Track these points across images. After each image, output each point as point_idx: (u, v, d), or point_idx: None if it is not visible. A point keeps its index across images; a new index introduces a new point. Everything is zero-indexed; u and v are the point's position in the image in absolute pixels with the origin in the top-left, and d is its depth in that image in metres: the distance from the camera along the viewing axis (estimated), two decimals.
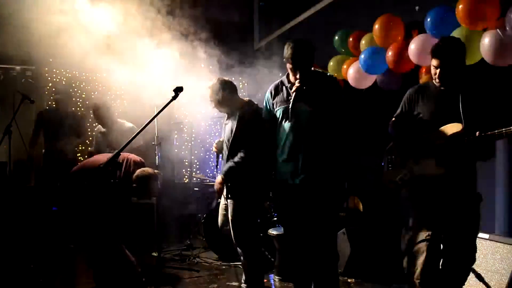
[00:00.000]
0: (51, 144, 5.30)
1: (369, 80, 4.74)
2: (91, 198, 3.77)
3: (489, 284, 3.34)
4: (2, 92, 6.60)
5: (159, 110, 2.98)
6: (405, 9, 4.48)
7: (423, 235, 2.89)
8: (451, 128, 2.76)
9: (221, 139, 3.84)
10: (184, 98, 4.53)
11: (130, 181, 3.71)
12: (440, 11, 3.79)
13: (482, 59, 3.48)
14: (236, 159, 3.49)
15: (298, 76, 2.95)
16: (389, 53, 4.24)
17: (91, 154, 5.12)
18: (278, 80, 3.23)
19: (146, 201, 6.30)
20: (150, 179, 3.78)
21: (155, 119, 3.36)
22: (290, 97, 3.03)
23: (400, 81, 4.48)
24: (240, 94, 3.84)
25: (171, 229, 6.29)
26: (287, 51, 2.96)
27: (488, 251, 3.45)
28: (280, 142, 3.09)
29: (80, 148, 6.47)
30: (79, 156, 6.57)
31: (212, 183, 4.12)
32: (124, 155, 3.84)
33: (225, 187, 3.62)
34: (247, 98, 3.81)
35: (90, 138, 6.31)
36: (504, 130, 2.53)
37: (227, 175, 3.53)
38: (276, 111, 3.14)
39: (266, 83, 6.64)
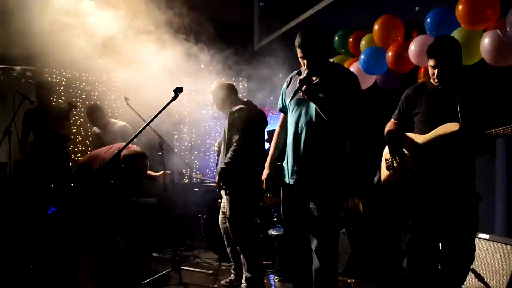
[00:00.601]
0: (39, 142, 5.26)
1: (369, 81, 4.74)
2: (92, 198, 3.79)
3: (489, 284, 3.34)
4: (2, 93, 6.61)
5: (159, 110, 2.98)
6: (405, 9, 4.48)
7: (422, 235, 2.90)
8: (448, 128, 2.76)
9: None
10: (184, 99, 4.53)
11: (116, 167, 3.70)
12: (440, 11, 3.80)
13: (482, 59, 3.48)
14: (226, 159, 3.75)
15: (305, 66, 2.78)
16: (389, 54, 4.25)
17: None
18: (297, 70, 2.99)
19: (146, 201, 6.33)
20: (138, 157, 3.78)
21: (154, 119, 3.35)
22: (298, 88, 2.80)
23: (400, 82, 4.48)
24: (240, 95, 3.90)
25: (171, 230, 6.29)
26: (297, 38, 2.76)
27: (488, 252, 3.45)
28: (287, 137, 2.97)
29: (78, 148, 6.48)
30: (79, 156, 6.58)
31: (212, 183, 4.16)
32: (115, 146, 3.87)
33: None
34: (246, 99, 3.88)
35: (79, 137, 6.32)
36: (502, 129, 2.53)
37: (220, 176, 3.79)
38: (287, 103, 3.00)
39: (266, 83, 6.67)
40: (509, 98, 3.49)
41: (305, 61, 2.77)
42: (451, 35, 3.54)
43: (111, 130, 5.09)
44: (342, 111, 2.71)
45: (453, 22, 3.60)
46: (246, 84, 8.00)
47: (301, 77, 2.72)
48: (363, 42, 4.66)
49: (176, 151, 7.14)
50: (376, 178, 3.30)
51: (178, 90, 2.97)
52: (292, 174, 2.89)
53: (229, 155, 3.75)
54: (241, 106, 3.89)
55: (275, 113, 6.58)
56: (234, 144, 3.74)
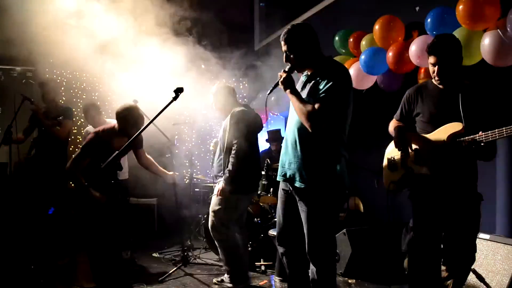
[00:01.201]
0: (40, 141, 5.24)
1: (369, 81, 4.74)
2: (93, 198, 3.79)
3: (490, 284, 3.34)
4: (2, 93, 6.61)
5: (160, 111, 2.98)
6: (405, 9, 4.49)
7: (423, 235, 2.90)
8: (451, 128, 2.76)
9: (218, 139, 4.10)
10: (185, 99, 4.54)
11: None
12: (440, 11, 3.80)
13: (483, 59, 3.48)
14: (230, 166, 3.79)
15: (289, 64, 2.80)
16: (390, 54, 4.25)
17: None
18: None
19: (146, 202, 6.34)
20: (129, 110, 3.75)
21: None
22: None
23: (400, 82, 4.48)
24: (240, 95, 3.92)
25: (171, 230, 6.30)
26: (281, 35, 2.82)
27: (489, 252, 3.45)
28: None
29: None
30: None
31: (214, 184, 4.18)
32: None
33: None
34: (243, 103, 3.93)
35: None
36: (505, 130, 2.52)
37: (227, 182, 3.82)
38: None
39: (266, 84, 6.67)
40: (510, 98, 3.49)
41: (284, 55, 2.82)
42: None
43: None
44: (316, 111, 2.63)
45: (454, 22, 3.60)
46: (246, 84, 7.99)
47: (279, 75, 2.77)
48: (363, 43, 4.66)
49: (177, 151, 7.15)
50: (377, 178, 3.29)
51: (178, 91, 2.97)
52: (280, 173, 2.91)
53: (233, 160, 3.78)
54: (243, 108, 3.94)
55: (276, 113, 6.58)
56: (235, 148, 3.77)
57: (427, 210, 2.89)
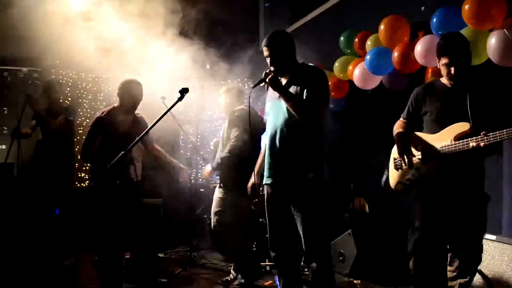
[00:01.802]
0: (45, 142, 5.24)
1: (374, 81, 4.73)
2: (99, 198, 3.81)
3: (496, 285, 3.32)
4: (9, 94, 6.65)
5: (165, 111, 2.98)
6: (411, 9, 4.47)
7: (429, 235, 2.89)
8: (459, 128, 2.74)
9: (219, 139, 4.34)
10: (190, 99, 4.55)
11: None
12: (446, 11, 3.78)
13: (489, 59, 3.46)
14: (223, 154, 3.95)
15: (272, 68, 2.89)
16: (395, 54, 4.23)
17: None
18: None
19: (152, 202, 6.34)
20: (130, 83, 3.88)
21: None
22: (271, 94, 3.01)
23: (406, 82, 4.47)
24: (245, 95, 3.98)
25: (177, 230, 6.31)
26: (263, 40, 2.96)
27: (495, 253, 3.43)
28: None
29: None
30: None
31: (215, 184, 4.22)
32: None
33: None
34: (243, 106, 4.11)
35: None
36: (506, 132, 2.50)
37: (216, 167, 4.05)
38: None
39: None
40: None
41: (268, 59, 2.91)
42: None
43: None
44: (307, 102, 2.78)
45: (460, 22, 3.58)
46: (251, 84, 7.98)
47: (266, 71, 2.86)
48: (368, 43, 4.65)
49: (182, 151, 7.16)
50: (383, 178, 3.28)
51: (184, 91, 2.97)
52: (268, 175, 2.97)
53: (225, 154, 3.92)
54: (242, 106, 4.09)
55: None
56: (232, 140, 3.90)
57: (433, 211, 2.88)
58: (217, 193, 4.08)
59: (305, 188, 2.82)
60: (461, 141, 2.70)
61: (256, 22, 8.23)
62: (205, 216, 5.87)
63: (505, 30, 3.24)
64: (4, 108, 6.67)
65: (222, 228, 3.99)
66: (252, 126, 3.89)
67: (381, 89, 4.76)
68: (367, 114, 5.25)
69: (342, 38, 5.16)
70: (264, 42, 2.92)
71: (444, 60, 2.80)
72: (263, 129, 4.06)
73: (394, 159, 3.17)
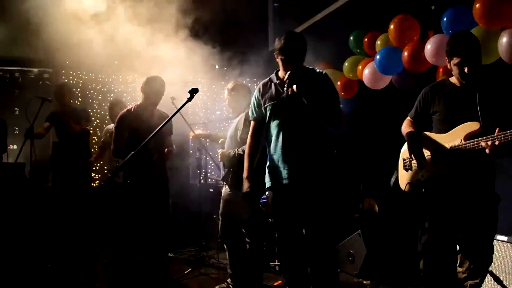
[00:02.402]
0: (62, 144, 5.31)
1: (384, 81, 4.71)
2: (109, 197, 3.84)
3: (508, 287, 3.29)
4: (20, 94, 6.72)
5: (175, 111, 2.99)
6: (421, 8, 4.45)
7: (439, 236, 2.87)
8: (469, 127, 2.72)
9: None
10: (199, 100, 4.56)
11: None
12: (456, 10, 3.76)
13: (500, 58, 3.43)
14: (241, 150, 3.79)
15: (289, 70, 2.85)
16: (405, 53, 4.22)
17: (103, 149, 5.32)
18: (267, 78, 3.13)
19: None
20: (155, 80, 3.97)
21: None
22: (280, 94, 2.92)
23: (416, 82, 4.44)
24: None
25: (186, 230, 6.33)
26: (278, 43, 2.92)
27: (506, 254, 3.39)
28: (271, 141, 3.01)
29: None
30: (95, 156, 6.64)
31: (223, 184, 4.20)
32: None
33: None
34: None
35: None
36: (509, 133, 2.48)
37: (228, 159, 3.93)
38: (265, 109, 3.04)
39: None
40: None
41: (289, 65, 2.89)
42: None
43: None
44: (327, 105, 2.86)
45: (470, 21, 3.56)
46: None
47: (286, 80, 2.83)
48: (378, 42, 4.64)
49: (191, 151, 7.18)
50: (393, 179, 3.26)
51: (193, 91, 2.97)
52: (285, 176, 2.91)
53: (242, 149, 3.76)
54: None
55: None
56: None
57: (443, 211, 2.86)
58: (225, 195, 4.02)
59: (320, 188, 2.87)
60: (471, 140, 2.68)
61: (265, 23, 8.23)
62: (214, 216, 5.88)
63: None
64: (16, 109, 6.74)
65: (226, 230, 3.97)
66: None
67: (391, 89, 4.74)
68: (376, 114, 5.23)
69: (351, 38, 5.15)
70: (281, 45, 2.90)
71: (456, 60, 2.78)
72: None
73: (403, 159, 3.15)
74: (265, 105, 3.02)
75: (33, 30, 4.66)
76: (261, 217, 5.08)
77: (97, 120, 6.96)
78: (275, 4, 8.28)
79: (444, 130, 2.86)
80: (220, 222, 4.07)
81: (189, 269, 4.67)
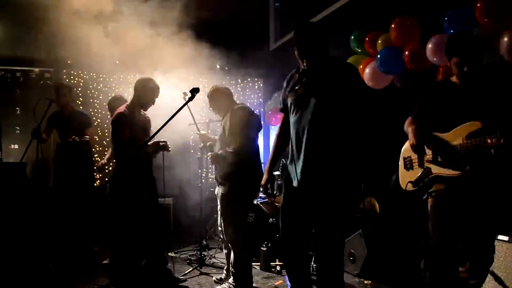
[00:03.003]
0: (64, 147, 5.31)
1: (385, 80, 4.71)
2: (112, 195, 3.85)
3: (509, 287, 3.28)
4: (22, 94, 6.73)
5: (176, 111, 2.99)
6: (422, 8, 4.44)
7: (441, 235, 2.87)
8: (470, 126, 2.72)
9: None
10: (200, 99, 4.56)
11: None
12: (457, 10, 3.75)
13: (501, 57, 3.43)
14: (230, 149, 3.79)
15: (304, 63, 2.69)
16: (406, 53, 4.21)
17: None
18: (296, 68, 2.94)
19: (162, 202, 6.36)
20: (148, 82, 4.00)
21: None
22: (296, 87, 2.74)
23: (417, 81, 4.44)
24: (255, 95, 3.95)
25: (187, 230, 6.34)
26: (293, 36, 2.77)
27: (508, 254, 3.39)
28: (289, 138, 2.86)
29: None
30: (96, 156, 6.65)
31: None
32: None
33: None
34: (241, 104, 4.08)
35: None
36: None
37: (216, 160, 3.91)
38: (287, 101, 2.88)
39: (282, 84, 6.62)
40: None
41: (303, 58, 2.71)
42: None
43: None
44: (346, 104, 2.62)
45: (471, 21, 3.56)
46: (262, 84, 8.00)
47: (298, 75, 2.71)
48: (379, 42, 4.64)
49: (192, 151, 7.19)
50: (393, 178, 3.26)
51: (194, 91, 2.97)
52: (296, 177, 2.75)
53: (231, 147, 3.78)
54: (243, 105, 4.03)
55: None
56: (237, 138, 3.78)
57: (444, 211, 2.85)
58: (221, 194, 4.00)
59: (336, 192, 2.64)
60: (472, 139, 2.67)
61: (266, 22, 8.24)
62: (215, 215, 5.88)
63: None
64: (17, 108, 6.75)
65: (228, 230, 3.95)
66: (253, 123, 3.91)
67: (392, 89, 4.73)
68: (377, 113, 5.23)
69: (352, 38, 5.15)
70: (294, 39, 2.76)
71: (455, 59, 2.78)
72: (260, 127, 4.09)
73: (404, 158, 3.15)
74: (286, 98, 2.89)
75: (34, 30, 4.67)
76: (263, 217, 5.10)
77: (98, 120, 6.97)
78: (276, 4, 8.28)
79: (445, 129, 2.86)
80: (219, 222, 4.08)
81: (190, 269, 4.67)
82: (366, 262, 4.27)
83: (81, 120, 5.26)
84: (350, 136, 2.67)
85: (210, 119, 5.45)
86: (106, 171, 5.79)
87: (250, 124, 3.84)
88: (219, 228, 4.23)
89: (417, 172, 3.00)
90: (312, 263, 4.03)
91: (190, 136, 7.05)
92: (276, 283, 4.31)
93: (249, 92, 7.99)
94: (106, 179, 6.48)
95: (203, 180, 6.32)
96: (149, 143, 3.82)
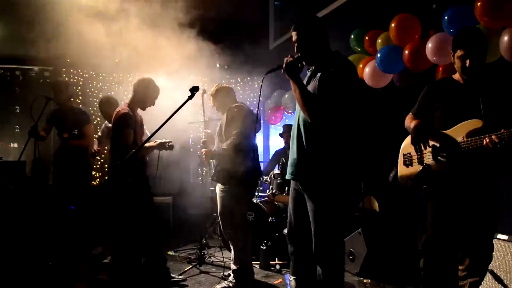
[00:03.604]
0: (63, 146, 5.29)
1: (385, 79, 4.70)
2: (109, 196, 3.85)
3: (508, 286, 3.29)
4: (21, 92, 6.73)
5: (176, 109, 2.99)
6: (422, 7, 4.44)
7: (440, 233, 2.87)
8: (471, 125, 2.72)
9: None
10: (200, 98, 4.56)
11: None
12: (457, 9, 3.75)
13: (501, 57, 3.42)
14: (224, 145, 3.83)
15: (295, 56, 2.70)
16: (406, 52, 4.21)
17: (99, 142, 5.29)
18: None
19: (162, 200, 6.37)
20: (148, 82, 4.02)
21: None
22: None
23: (417, 80, 4.43)
24: (255, 94, 3.97)
25: (187, 228, 6.34)
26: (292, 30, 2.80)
27: (507, 253, 3.39)
28: None
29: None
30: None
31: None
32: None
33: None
34: (239, 103, 4.10)
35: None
36: None
37: (210, 156, 4.01)
38: None
39: (282, 83, 6.64)
40: None
41: (295, 45, 2.75)
42: None
43: None
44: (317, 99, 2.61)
45: (471, 20, 3.55)
46: (261, 84, 7.98)
47: (288, 56, 2.69)
48: (379, 41, 4.63)
49: (191, 150, 7.19)
50: (392, 174, 3.25)
51: (194, 89, 2.97)
52: (289, 172, 2.86)
53: (226, 144, 3.81)
54: (240, 103, 4.08)
55: (290, 112, 6.57)
56: (233, 136, 3.80)
57: (443, 208, 2.85)
58: (219, 192, 4.02)
59: (325, 185, 2.65)
60: (473, 138, 2.67)
61: (266, 21, 8.24)
62: (214, 214, 5.89)
63: None
64: (16, 107, 6.75)
65: (226, 226, 3.98)
66: (248, 121, 3.90)
67: (392, 88, 4.73)
68: (377, 112, 5.23)
69: (352, 36, 5.14)
70: (292, 26, 2.77)
71: (459, 53, 2.76)
72: (257, 125, 4.10)
73: (404, 155, 3.14)
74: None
75: (34, 29, 4.66)
76: (263, 216, 5.10)
77: (98, 119, 6.96)
78: (276, 3, 8.28)
79: (446, 127, 2.85)
80: (219, 221, 4.09)
81: (189, 267, 4.67)
82: (365, 261, 4.27)
83: (78, 117, 5.17)
84: (332, 134, 2.67)
85: (209, 118, 5.45)
86: (106, 170, 5.78)
87: (245, 121, 3.85)
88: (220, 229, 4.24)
89: (416, 168, 3.00)
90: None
91: (189, 134, 7.07)
92: (276, 282, 4.32)
93: (249, 91, 8.00)
94: (106, 177, 6.48)
95: (203, 179, 6.32)
96: (153, 143, 3.85)
